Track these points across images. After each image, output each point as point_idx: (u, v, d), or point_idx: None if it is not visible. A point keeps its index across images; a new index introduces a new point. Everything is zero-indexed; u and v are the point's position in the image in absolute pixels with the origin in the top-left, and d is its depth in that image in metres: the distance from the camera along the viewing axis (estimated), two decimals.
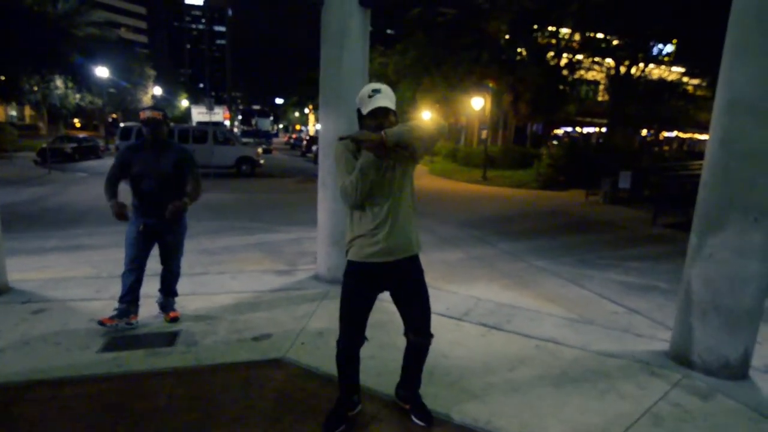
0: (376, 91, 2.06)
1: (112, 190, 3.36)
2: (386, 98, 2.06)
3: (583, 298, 4.53)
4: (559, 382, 2.87)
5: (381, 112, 2.05)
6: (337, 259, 4.55)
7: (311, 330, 3.48)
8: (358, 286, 2.24)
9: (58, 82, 25.12)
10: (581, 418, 2.52)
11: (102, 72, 24.76)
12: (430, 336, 2.39)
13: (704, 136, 35.77)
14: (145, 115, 3.35)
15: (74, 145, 20.58)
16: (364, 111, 2.07)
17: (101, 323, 3.26)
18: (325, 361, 2.94)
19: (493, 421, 2.46)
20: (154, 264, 4.95)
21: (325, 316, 3.72)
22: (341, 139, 2.06)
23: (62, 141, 20.67)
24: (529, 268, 5.57)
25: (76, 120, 39.42)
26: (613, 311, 4.18)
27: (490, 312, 3.98)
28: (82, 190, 11.54)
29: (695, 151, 32.88)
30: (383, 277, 2.24)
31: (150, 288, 4.20)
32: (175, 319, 3.57)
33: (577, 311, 4.12)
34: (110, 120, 34.56)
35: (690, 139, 37.75)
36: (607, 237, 7.97)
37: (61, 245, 5.86)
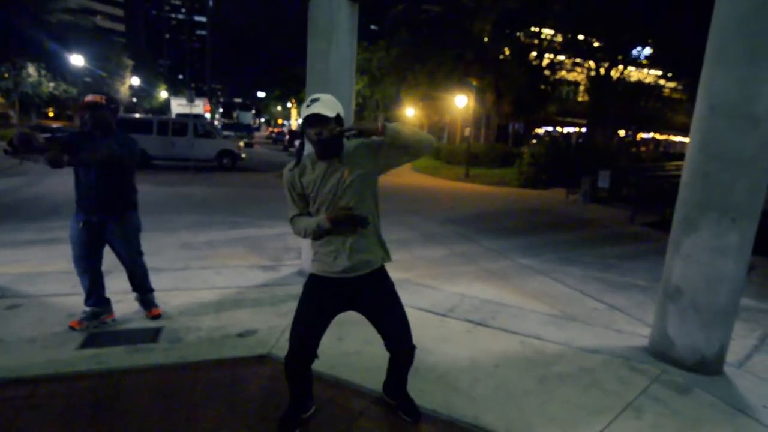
0: (314, 101, 1.99)
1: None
2: (324, 106, 1.97)
3: (565, 295, 4.62)
4: (544, 378, 2.92)
5: (315, 120, 1.97)
6: None
7: None
8: (317, 299, 2.18)
9: (31, 69, 24.21)
10: (565, 412, 2.57)
11: (77, 60, 23.99)
12: (413, 348, 2.31)
13: (679, 138, 36.85)
14: (86, 99, 3.10)
15: (47, 135, 19.91)
16: (300, 119, 2.05)
17: (72, 328, 3.16)
18: None
19: (480, 416, 2.49)
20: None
21: None
22: (340, 134, 2.01)
23: (35, 130, 19.98)
24: (513, 265, 5.65)
25: (49, 109, 38.08)
26: (594, 308, 4.28)
27: (474, 308, 4.01)
28: (57, 182, 11.18)
29: (670, 152, 33.82)
30: (348, 294, 2.18)
31: (127, 283, 4.11)
32: (157, 317, 3.46)
33: (559, 308, 4.20)
34: None
35: (666, 140, 38.80)
36: (588, 235, 8.13)
37: (35, 238, 5.67)
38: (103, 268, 4.53)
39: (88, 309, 3.25)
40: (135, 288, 3.50)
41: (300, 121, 2.06)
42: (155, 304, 3.54)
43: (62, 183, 10.86)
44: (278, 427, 2.30)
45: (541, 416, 2.52)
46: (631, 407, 2.65)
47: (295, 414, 2.33)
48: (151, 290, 3.56)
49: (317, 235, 2.12)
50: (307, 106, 1.99)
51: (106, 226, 3.20)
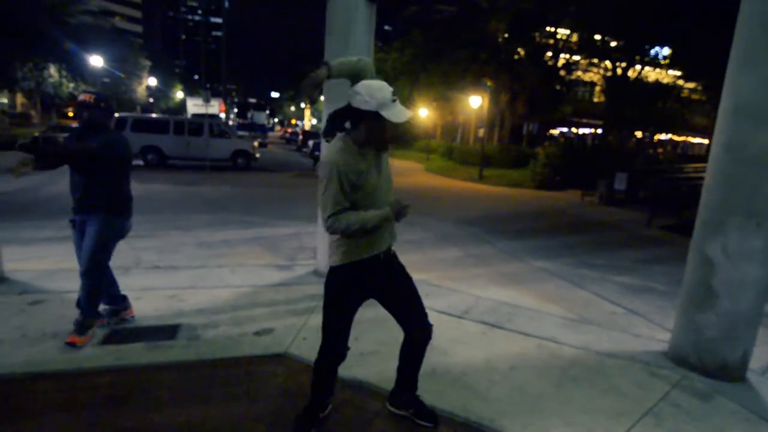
0: (395, 96, 1.95)
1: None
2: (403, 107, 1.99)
3: (582, 298, 4.56)
4: (561, 381, 2.89)
5: (404, 114, 1.95)
6: None
7: (313, 326, 3.46)
8: (351, 288, 2.15)
9: (52, 70, 24.75)
10: (583, 417, 2.53)
11: (96, 61, 24.46)
12: (431, 326, 2.32)
13: (698, 140, 36.18)
14: (78, 98, 3.00)
15: (67, 134, 20.33)
16: (391, 117, 1.92)
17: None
18: None
19: (497, 419, 2.47)
20: (152, 256, 4.92)
21: None
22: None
23: (55, 130, 20.39)
24: (528, 268, 5.60)
25: (69, 109, 38.92)
26: (611, 312, 4.22)
27: (490, 310, 3.99)
28: None
29: (688, 154, 33.21)
30: (382, 274, 2.18)
31: (148, 281, 4.18)
32: (71, 344, 2.93)
33: (576, 311, 4.15)
34: None
35: (684, 142, 38.11)
36: (604, 238, 8.02)
37: (55, 236, 5.78)
38: (122, 264, 4.63)
39: (106, 307, 3.29)
40: (77, 304, 3.09)
41: (382, 112, 1.91)
42: (80, 332, 3.00)
43: None
44: (295, 424, 2.31)
45: (558, 420, 2.49)
46: (650, 413, 2.61)
47: (314, 413, 2.33)
48: (87, 313, 3.05)
49: (375, 228, 2.00)
50: (393, 100, 1.93)
51: (85, 228, 3.01)
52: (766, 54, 2.73)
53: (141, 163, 15.95)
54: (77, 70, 25.87)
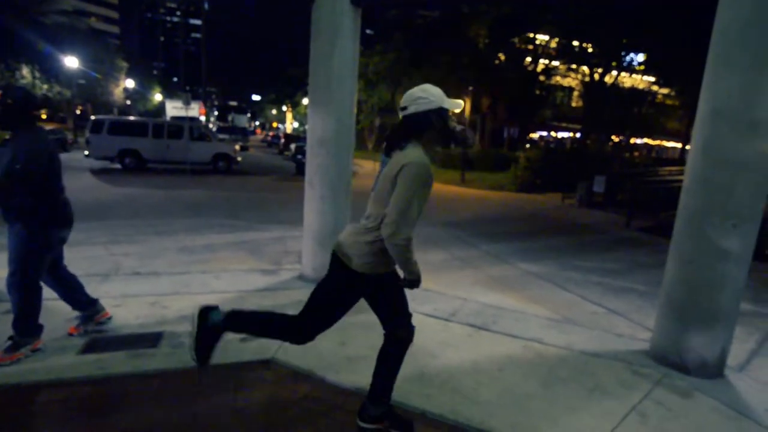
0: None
1: None
2: None
3: (565, 299, 4.64)
4: (547, 382, 2.92)
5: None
6: (323, 259, 4.49)
7: None
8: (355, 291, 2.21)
9: (25, 71, 24.04)
10: (570, 416, 2.57)
11: (71, 62, 23.85)
12: (414, 328, 2.30)
13: (671, 144, 37.27)
14: None
15: None
16: (453, 107, 2.10)
17: (70, 334, 3.13)
18: (316, 363, 2.92)
19: (486, 421, 2.48)
20: (132, 262, 4.82)
21: None
22: None
23: None
24: (512, 270, 5.67)
25: (42, 111, 37.84)
26: (593, 312, 4.30)
27: (476, 313, 4.02)
28: None
29: (663, 157, 34.18)
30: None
31: (128, 288, 4.09)
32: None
33: (560, 312, 4.22)
34: (77, 112, 33.30)
35: (658, 145, 39.23)
36: (585, 239, 8.18)
37: None
38: (101, 271, 4.52)
39: (79, 314, 3.21)
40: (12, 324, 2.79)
41: (445, 105, 2.08)
42: (8, 351, 2.74)
43: None
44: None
45: (546, 420, 2.52)
46: (635, 411, 2.66)
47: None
48: (18, 332, 2.78)
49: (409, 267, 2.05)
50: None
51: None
52: (742, 59, 2.83)
53: (119, 166, 15.61)
54: (51, 72, 25.18)
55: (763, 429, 2.58)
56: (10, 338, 2.78)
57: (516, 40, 23.22)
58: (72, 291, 3.16)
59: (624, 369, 3.16)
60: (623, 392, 2.85)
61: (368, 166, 23.53)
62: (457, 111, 2.06)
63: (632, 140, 31.32)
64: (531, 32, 22.87)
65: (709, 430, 2.54)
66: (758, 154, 2.87)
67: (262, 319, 2.34)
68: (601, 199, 12.76)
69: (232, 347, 3.13)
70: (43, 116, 39.45)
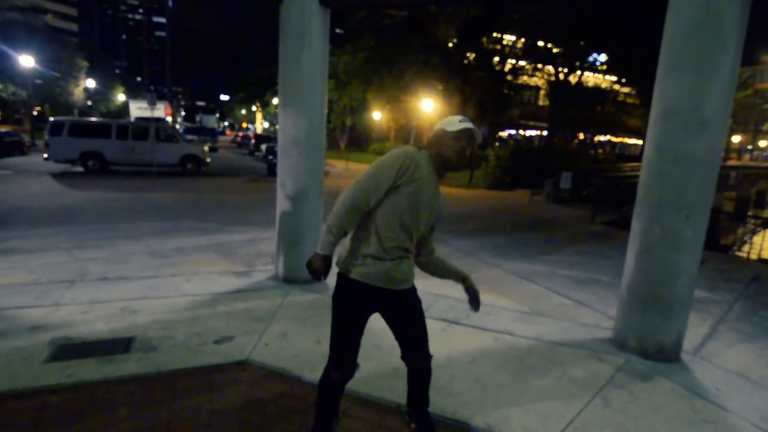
0: (464, 119, 2.03)
1: None
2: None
3: (534, 291, 4.80)
4: (517, 371, 3.04)
5: (472, 134, 2.01)
6: (296, 260, 4.51)
7: (274, 331, 3.44)
8: (359, 306, 2.02)
9: None
10: (539, 403, 2.69)
11: (26, 61, 22.79)
12: (430, 357, 2.27)
13: (633, 141, 38.75)
14: None
15: None
16: (451, 129, 1.99)
17: None
18: (291, 362, 2.94)
19: (459, 411, 2.57)
20: (99, 267, 4.71)
21: (287, 317, 3.69)
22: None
23: None
24: (483, 265, 5.81)
25: None
26: (560, 303, 4.47)
27: (448, 307, 4.12)
28: (6, 189, 10.59)
29: (626, 154, 35.50)
30: (380, 302, 2.05)
31: (96, 293, 3.99)
32: None
33: (528, 304, 4.37)
34: (35, 113, 31.86)
35: (621, 143, 40.72)
36: (552, 234, 8.45)
37: None
38: (66, 277, 4.40)
39: None
40: None
41: (447, 129, 2.01)
42: None
43: (10, 191, 10.32)
44: None
45: (516, 407, 2.63)
46: (599, 395, 2.80)
47: None
48: None
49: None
50: (460, 121, 2.00)
51: None
52: (690, 63, 3.02)
53: (81, 169, 15.04)
54: (6, 71, 23.99)
55: (713, 406, 2.76)
56: None
57: (484, 40, 23.67)
58: None
59: (589, 356, 3.31)
60: (588, 378, 3.00)
61: (340, 166, 23.47)
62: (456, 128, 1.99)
63: (596, 138, 32.43)
64: (499, 32, 23.36)
65: (667, 410, 2.70)
66: (707, 151, 3.06)
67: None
68: (567, 195, 13.19)
69: (206, 350, 3.12)
70: None
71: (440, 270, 2.31)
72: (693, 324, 3.81)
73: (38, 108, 35.06)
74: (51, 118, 15.90)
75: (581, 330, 3.81)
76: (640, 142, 33.63)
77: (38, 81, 29.03)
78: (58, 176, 13.73)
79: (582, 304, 4.49)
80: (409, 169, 1.90)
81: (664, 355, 3.27)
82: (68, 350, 3.01)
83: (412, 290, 2.15)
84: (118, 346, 3.10)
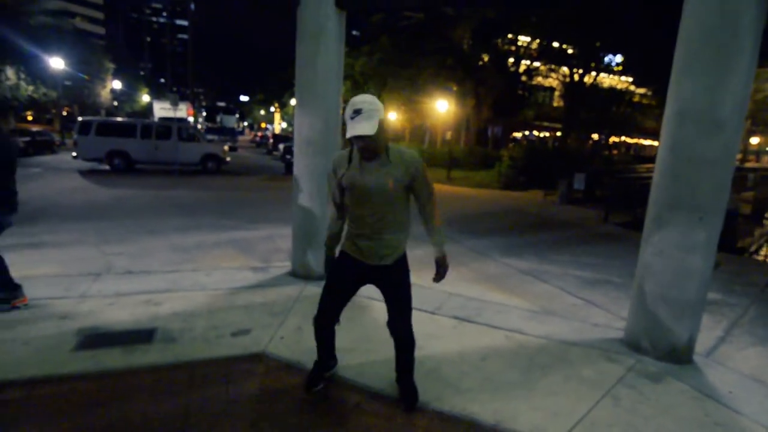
0: (357, 112, 2.15)
1: None
2: (365, 120, 2.14)
3: (545, 291, 4.80)
4: (527, 369, 3.07)
5: (357, 139, 2.22)
6: (311, 256, 4.62)
7: (289, 325, 3.55)
8: (341, 270, 2.51)
9: (10, 72, 23.69)
10: (549, 401, 2.72)
11: (57, 63, 23.57)
12: (407, 332, 2.57)
13: (648, 142, 37.96)
14: None
15: (28, 139, 19.54)
16: (347, 133, 2.19)
17: None
18: (306, 355, 3.01)
19: (468, 407, 2.61)
20: (124, 261, 4.88)
21: (302, 312, 3.79)
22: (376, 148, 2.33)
23: (13, 134, 19.57)
24: (495, 264, 5.82)
25: (28, 113, 37.33)
26: (572, 303, 4.47)
27: (460, 306, 4.16)
28: (38, 186, 11.00)
29: (640, 155, 34.82)
30: (365, 273, 2.47)
31: (121, 286, 4.16)
32: (14, 307, 3.55)
33: (540, 304, 4.38)
34: (64, 114, 32.92)
35: (636, 144, 39.95)
36: (565, 235, 8.37)
37: (20, 243, 5.60)
38: (93, 270, 4.58)
39: None
40: None
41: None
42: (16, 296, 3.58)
43: (41, 188, 10.71)
44: (305, 383, 2.71)
45: (525, 405, 2.66)
46: (608, 395, 2.81)
47: (319, 372, 2.72)
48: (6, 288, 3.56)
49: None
50: (351, 118, 2.15)
51: None
52: (705, 64, 3.00)
53: (107, 168, 15.52)
54: (37, 73, 24.82)
55: (725, 409, 2.75)
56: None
57: (499, 41, 23.56)
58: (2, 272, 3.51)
59: (599, 356, 3.32)
60: (598, 378, 3.01)
61: None
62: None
63: (611, 139, 31.90)
64: (513, 34, 23.22)
65: (678, 411, 2.70)
66: (722, 152, 3.04)
67: None
68: (580, 196, 13.07)
69: (224, 342, 3.23)
70: (29, 118, 38.94)
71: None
72: (706, 327, 3.78)
73: (67, 108, 36.18)
74: (79, 118, 16.45)
75: (592, 330, 3.81)
76: (656, 143, 33.01)
77: (67, 82, 29.99)
78: (85, 174, 14.21)
79: (594, 304, 4.48)
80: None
81: (676, 356, 3.25)
82: (94, 339, 3.16)
83: (396, 267, 2.48)
84: (141, 336, 3.25)
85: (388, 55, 24.18)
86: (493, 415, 2.55)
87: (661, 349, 3.28)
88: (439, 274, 2.50)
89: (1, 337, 3.09)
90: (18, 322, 3.33)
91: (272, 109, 57.49)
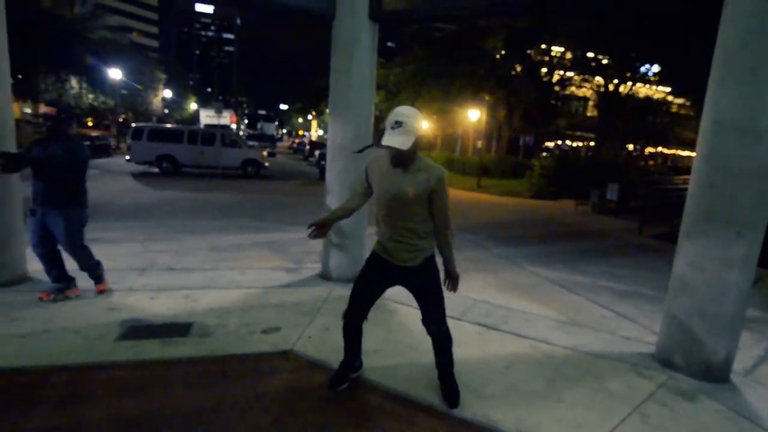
0: (397, 124, 2.25)
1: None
2: (402, 135, 2.24)
3: (574, 302, 4.70)
4: (553, 380, 3.02)
5: (392, 151, 2.31)
6: (341, 259, 4.74)
7: (318, 325, 3.65)
8: (369, 269, 2.62)
9: (73, 82, 25.58)
10: (573, 414, 2.65)
11: (115, 74, 25.23)
12: (440, 330, 2.63)
13: (686, 153, 36.10)
14: (42, 110, 3.70)
15: (87, 143, 21.01)
16: (383, 141, 2.27)
17: (41, 299, 3.74)
18: (332, 355, 3.06)
19: (490, 415, 2.58)
20: (167, 258, 5.12)
21: (331, 313, 3.88)
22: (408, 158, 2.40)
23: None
24: (523, 273, 5.74)
25: (89, 119, 40.06)
26: (602, 315, 4.35)
27: (486, 313, 4.15)
28: (95, 187, 11.70)
29: (678, 166, 33.17)
30: (392, 273, 2.56)
31: (163, 281, 4.41)
32: (101, 292, 3.98)
33: (568, 314, 4.29)
34: (120, 120, 35.04)
35: (673, 155, 38.10)
36: (597, 245, 8.12)
37: None
38: (138, 265, 4.87)
39: (54, 284, 3.80)
40: (81, 269, 3.92)
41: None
42: (100, 282, 4.01)
43: (97, 188, 11.43)
44: (330, 382, 2.79)
45: (549, 416, 2.61)
46: (637, 411, 2.72)
47: (345, 371, 2.80)
48: (95, 270, 3.95)
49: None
50: (392, 127, 2.25)
51: (47, 217, 3.61)
52: (743, 73, 2.90)
53: (157, 170, 16.47)
54: (97, 83, 26.68)
55: (763, 431, 2.61)
56: (91, 278, 3.97)
57: (531, 52, 23.25)
58: (57, 265, 3.80)
59: (629, 370, 3.22)
60: (627, 393, 2.91)
61: None
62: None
63: (647, 149, 30.57)
64: (546, 44, 22.86)
65: (710, 431, 2.59)
66: (762, 163, 2.92)
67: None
68: (614, 206, 12.65)
69: (255, 339, 3.37)
70: (90, 124, 41.72)
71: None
72: (746, 345, 3.59)
73: (123, 115, 38.46)
74: (133, 125, 17.61)
75: (622, 343, 3.71)
76: (693, 154, 31.50)
77: (124, 91, 32.00)
78: (137, 176, 15.11)
79: (624, 317, 4.34)
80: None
81: (711, 374, 3.12)
82: (136, 331, 3.37)
83: (423, 268, 2.54)
84: (179, 330, 3.43)
85: (422, 66, 24.35)
86: (515, 424, 2.52)
87: (695, 365, 3.15)
88: (452, 285, 2.60)
89: (56, 326, 3.35)
90: (72, 312, 3.60)
91: (309, 117, 58.87)
